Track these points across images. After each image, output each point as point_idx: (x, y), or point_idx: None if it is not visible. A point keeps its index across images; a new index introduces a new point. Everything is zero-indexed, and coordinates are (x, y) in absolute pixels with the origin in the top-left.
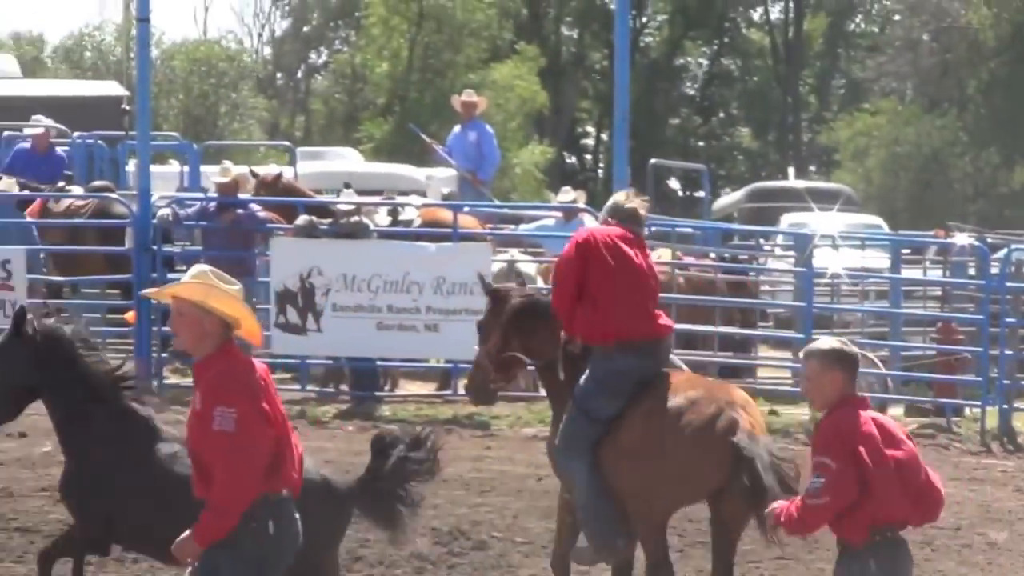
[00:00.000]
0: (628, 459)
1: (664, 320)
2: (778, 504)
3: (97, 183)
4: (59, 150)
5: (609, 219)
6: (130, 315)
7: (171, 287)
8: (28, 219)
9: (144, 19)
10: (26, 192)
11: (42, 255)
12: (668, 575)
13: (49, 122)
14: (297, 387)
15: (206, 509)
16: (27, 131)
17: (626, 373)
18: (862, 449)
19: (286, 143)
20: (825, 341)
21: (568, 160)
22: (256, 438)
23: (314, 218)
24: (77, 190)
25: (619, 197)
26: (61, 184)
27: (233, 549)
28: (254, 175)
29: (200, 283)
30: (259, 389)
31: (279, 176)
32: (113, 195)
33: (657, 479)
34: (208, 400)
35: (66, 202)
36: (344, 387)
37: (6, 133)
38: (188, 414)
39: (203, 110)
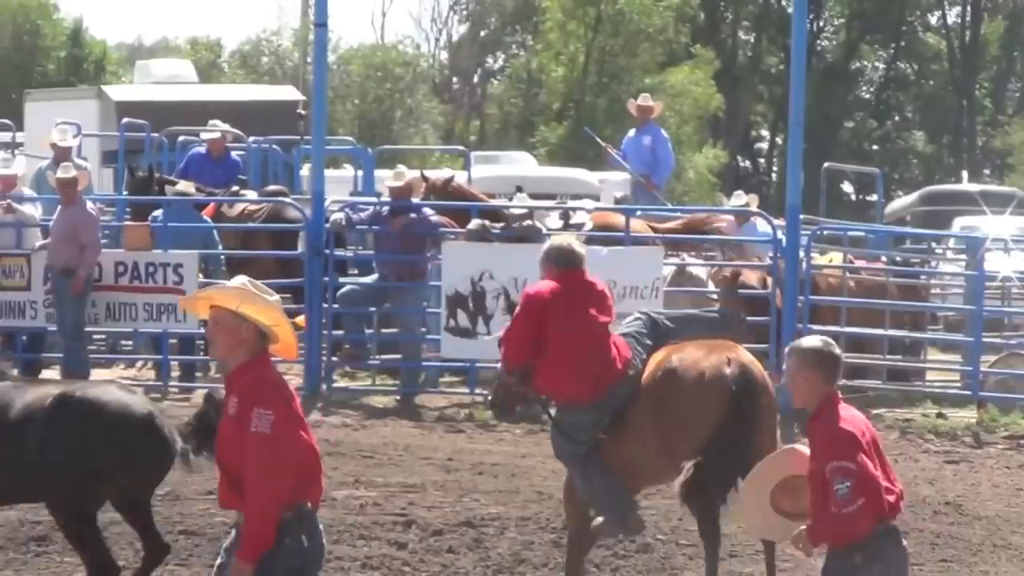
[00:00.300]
0: (651, 422)
1: (606, 376)
2: (800, 532)
3: (271, 187)
4: (234, 155)
5: (553, 268)
6: (300, 319)
7: (206, 292)
8: (208, 221)
9: (322, 24)
10: (200, 196)
11: (222, 258)
12: None
13: (225, 127)
14: (466, 391)
15: (245, 522)
16: (204, 136)
17: (575, 424)
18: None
19: (461, 147)
20: (808, 339)
21: (742, 164)
22: (290, 442)
23: (486, 222)
24: (251, 194)
25: (559, 242)
26: (235, 188)
27: (268, 564)
28: (424, 179)
29: (236, 290)
30: (293, 396)
31: (449, 180)
32: (287, 199)
33: (675, 427)
34: (245, 403)
35: (240, 206)
36: None
37: (182, 138)
38: (220, 424)
39: (378, 115)
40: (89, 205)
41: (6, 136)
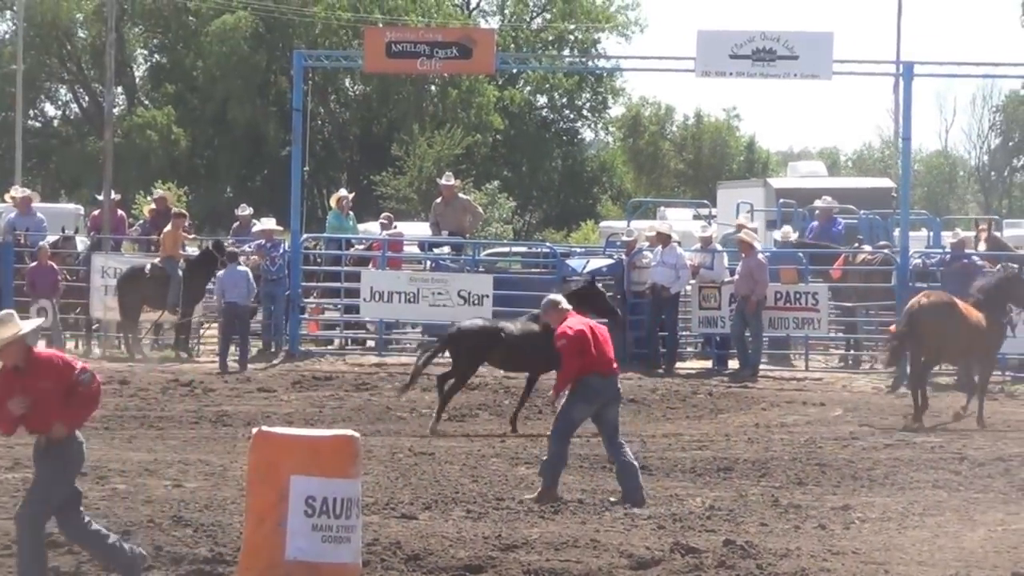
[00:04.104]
0: None
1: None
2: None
3: (881, 243)
4: (841, 222)
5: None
6: None
7: None
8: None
9: (906, 138)
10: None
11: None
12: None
13: (833, 201)
14: None
15: None
16: (816, 204)
17: None
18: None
19: None
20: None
21: None
22: None
23: None
24: (867, 247)
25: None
26: (856, 244)
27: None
28: None
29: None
30: None
31: None
32: (889, 252)
33: None
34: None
35: (862, 255)
36: None
37: (817, 211)
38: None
39: (939, 196)
40: (760, 256)
41: (705, 211)
